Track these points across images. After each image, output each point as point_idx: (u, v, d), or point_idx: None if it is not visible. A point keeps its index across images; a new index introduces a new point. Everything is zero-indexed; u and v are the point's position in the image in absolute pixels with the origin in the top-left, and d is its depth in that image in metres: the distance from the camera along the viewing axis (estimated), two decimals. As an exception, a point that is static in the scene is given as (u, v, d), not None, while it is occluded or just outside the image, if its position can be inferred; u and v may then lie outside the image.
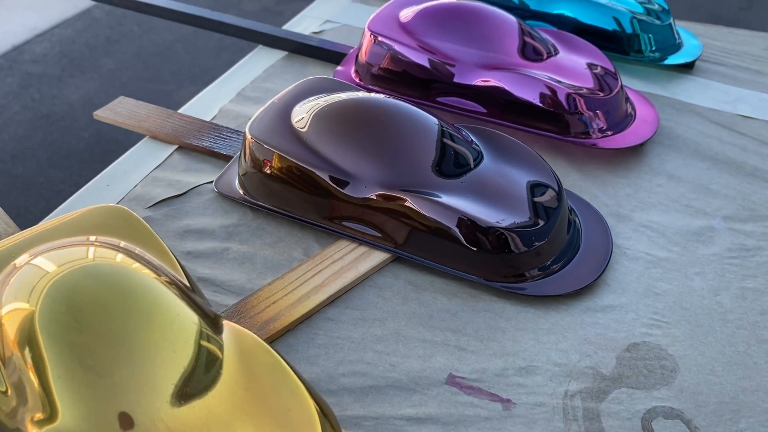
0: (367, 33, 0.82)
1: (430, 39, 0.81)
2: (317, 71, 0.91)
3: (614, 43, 0.94)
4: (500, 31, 0.82)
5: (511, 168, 0.65)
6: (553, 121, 0.77)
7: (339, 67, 0.88)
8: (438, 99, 0.81)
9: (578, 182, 0.75)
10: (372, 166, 0.63)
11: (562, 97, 0.76)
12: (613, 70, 0.81)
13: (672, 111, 0.87)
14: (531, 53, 0.81)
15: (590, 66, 0.81)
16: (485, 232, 0.59)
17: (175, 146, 0.76)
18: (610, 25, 0.93)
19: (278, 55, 0.95)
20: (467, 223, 0.60)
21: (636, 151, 0.79)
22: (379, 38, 0.81)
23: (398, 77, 0.82)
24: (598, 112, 0.77)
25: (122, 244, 0.50)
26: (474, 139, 0.68)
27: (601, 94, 0.78)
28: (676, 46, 0.97)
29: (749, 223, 0.70)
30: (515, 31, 0.82)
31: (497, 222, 0.60)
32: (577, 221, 0.68)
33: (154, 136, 0.77)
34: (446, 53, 0.80)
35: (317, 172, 0.63)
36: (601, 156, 0.78)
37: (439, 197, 0.61)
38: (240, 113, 0.82)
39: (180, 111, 0.83)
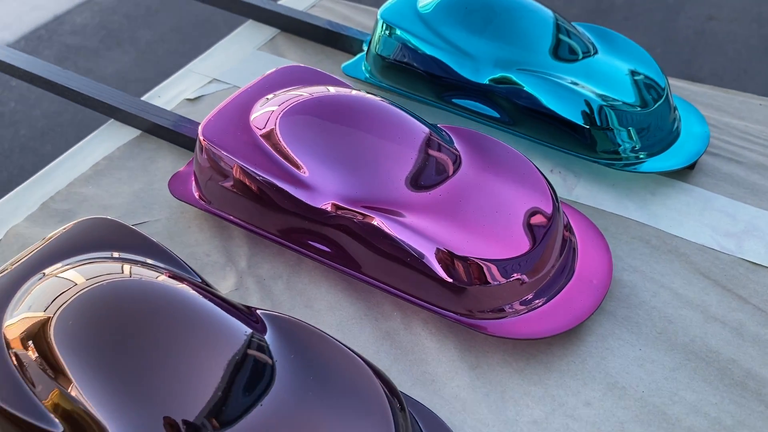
0: (200, 138, 0.59)
1: (286, 148, 0.56)
2: (166, 166, 0.68)
3: (581, 135, 0.67)
4: (391, 146, 0.56)
5: None
6: (446, 290, 0.52)
7: (183, 168, 0.65)
8: (300, 238, 0.57)
9: (461, 393, 0.50)
10: None
11: (459, 264, 0.51)
12: (549, 210, 0.54)
13: (643, 251, 0.61)
14: (431, 178, 0.56)
15: (511, 202, 0.55)
16: None
17: None
18: (574, 115, 0.66)
19: (130, 134, 0.72)
20: None
21: (567, 333, 0.54)
22: (215, 151, 0.58)
23: (243, 202, 0.58)
24: (514, 277, 0.52)
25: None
26: None
27: (523, 252, 0.52)
28: (671, 136, 0.69)
29: (715, 496, 0.45)
30: (415, 147, 0.57)
31: None
32: None
33: None
34: (297, 177, 0.56)
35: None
36: (513, 345, 0.53)
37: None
38: (30, 238, 0.60)
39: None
